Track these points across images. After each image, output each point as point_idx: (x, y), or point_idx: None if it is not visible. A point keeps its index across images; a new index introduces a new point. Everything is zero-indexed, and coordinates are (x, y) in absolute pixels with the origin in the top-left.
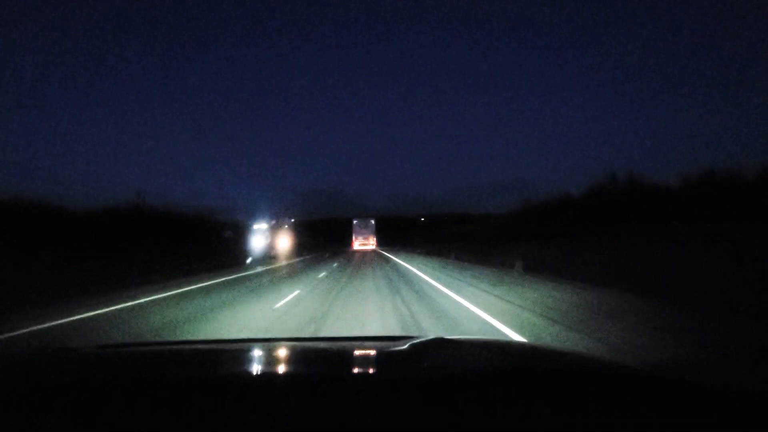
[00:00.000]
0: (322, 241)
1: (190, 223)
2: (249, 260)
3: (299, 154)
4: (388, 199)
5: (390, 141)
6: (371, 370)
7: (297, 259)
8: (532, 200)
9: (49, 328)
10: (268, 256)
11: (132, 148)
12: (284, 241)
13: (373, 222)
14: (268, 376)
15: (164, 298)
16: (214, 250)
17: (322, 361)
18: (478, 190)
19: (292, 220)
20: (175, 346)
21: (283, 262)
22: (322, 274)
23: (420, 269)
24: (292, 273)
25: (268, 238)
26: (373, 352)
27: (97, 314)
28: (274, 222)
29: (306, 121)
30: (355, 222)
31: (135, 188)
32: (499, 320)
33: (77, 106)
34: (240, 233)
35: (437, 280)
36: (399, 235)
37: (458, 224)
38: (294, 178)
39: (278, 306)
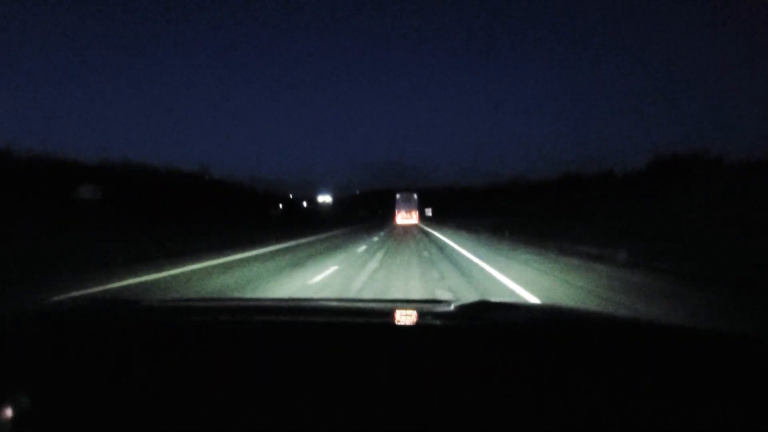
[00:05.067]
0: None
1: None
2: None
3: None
4: (454, 169)
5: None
6: (419, 323)
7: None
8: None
9: None
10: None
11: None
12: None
13: (415, 196)
14: (322, 326)
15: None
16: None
17: (369, 316)
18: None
19: (357, 192)
20: (240, 302)
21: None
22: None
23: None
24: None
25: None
26: (418, 312)
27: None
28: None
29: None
30: (398, 196)
31: (200, 159)
32: None
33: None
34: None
35: None
36: (467, 209)
37: (544, 195)
38: (356, 151)
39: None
